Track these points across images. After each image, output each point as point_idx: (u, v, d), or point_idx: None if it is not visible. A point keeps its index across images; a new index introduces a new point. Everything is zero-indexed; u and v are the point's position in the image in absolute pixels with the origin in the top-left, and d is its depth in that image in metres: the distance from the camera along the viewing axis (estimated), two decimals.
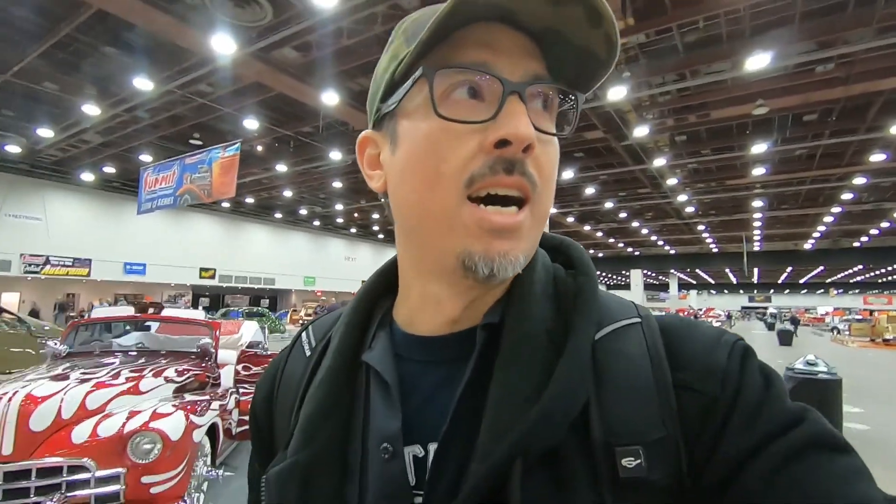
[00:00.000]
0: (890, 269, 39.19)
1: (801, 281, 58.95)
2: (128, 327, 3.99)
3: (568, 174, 15.51)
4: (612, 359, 0.39)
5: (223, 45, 8.09)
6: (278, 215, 24.97)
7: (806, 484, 0.32)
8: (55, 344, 3.54)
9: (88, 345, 3.75)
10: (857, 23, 7.64)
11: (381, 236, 32.61)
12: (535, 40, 0.39)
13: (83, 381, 2.79)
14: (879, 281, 53.95)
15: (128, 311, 5.21)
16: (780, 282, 59.95)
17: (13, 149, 14.21)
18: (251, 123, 12.14)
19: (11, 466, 2.29)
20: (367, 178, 0.46)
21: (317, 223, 27.05)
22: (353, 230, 30.14)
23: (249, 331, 5.18)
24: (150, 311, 6.76)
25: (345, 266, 30.43)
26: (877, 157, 13.25)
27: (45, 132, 12.75)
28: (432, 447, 0.40)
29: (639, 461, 0.35)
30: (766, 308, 59.32)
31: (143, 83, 9.62)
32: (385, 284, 0.51)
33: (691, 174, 16.62)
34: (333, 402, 0.44)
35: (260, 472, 0.47)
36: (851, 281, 56.65)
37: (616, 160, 14.61)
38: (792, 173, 15.41)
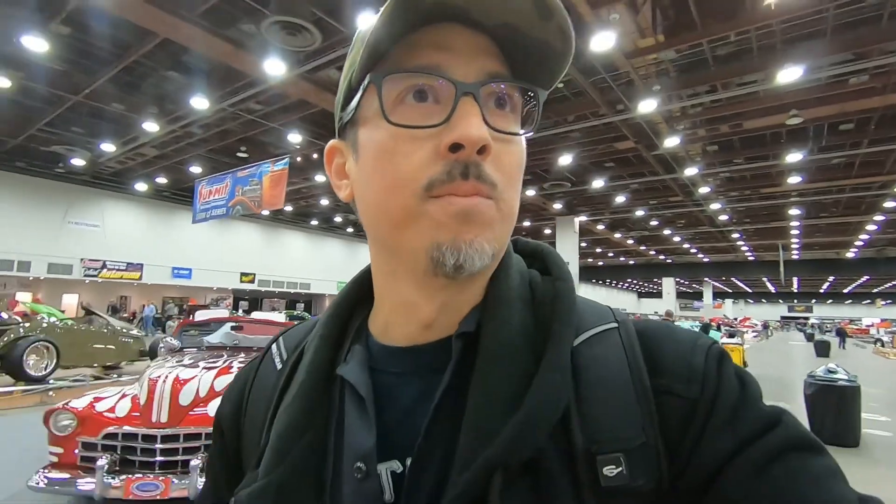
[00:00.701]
0: None
1: (845, 291, 56.57)
2: (212, 325, 4.64)
3: (598, 183, 15.67)
4: (591, 365, 0.39)
5: (274, 67, 8.75)
6: (314, 223, 25.89)
7: (784, 485, 0.33)
8: (171, 340, 4.21)
9: (193, 339, 4.41)
10: (893, 34, 7.68)
11: None
12: (493, 39, 0.39)
13: (209, 369, 3.46)
14: None
15: (223, 313, 5.89)
16: (822, 291, 57.66)
17: (78, 162, 15.41)
18: (294, 137, 12.88)
19: (167, 431, 2.97)
20: (335, 188, 0.46)
21: (350, 230, 27.89)
22: None
23: None
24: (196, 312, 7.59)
25: None
26: None
27: (108, 146, 13.82)
28: (410, 462, 0.39)
29: (620, 469, 0.35)
30: (807, 318, 57.15)
31: (200, 102, 10.42)
32: (360, 294, 0.50)
33: (724, 182, 16.51)
34: (307, 419, 0.42)
35: (226, 493, 0.46)
36: None
37: (647, 169, 14.69)
38: (830, 181, 15.14)
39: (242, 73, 9.51)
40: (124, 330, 7.50)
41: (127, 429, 2.96)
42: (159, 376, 3.19)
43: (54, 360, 6.74)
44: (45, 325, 6.90)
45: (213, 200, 10.21)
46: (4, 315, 6.68)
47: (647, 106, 9.85)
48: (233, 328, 4.38)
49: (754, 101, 10.11)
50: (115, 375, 7.02)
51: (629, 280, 54.92)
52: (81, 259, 17.97)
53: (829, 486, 0.33)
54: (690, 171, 14.28)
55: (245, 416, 0.49)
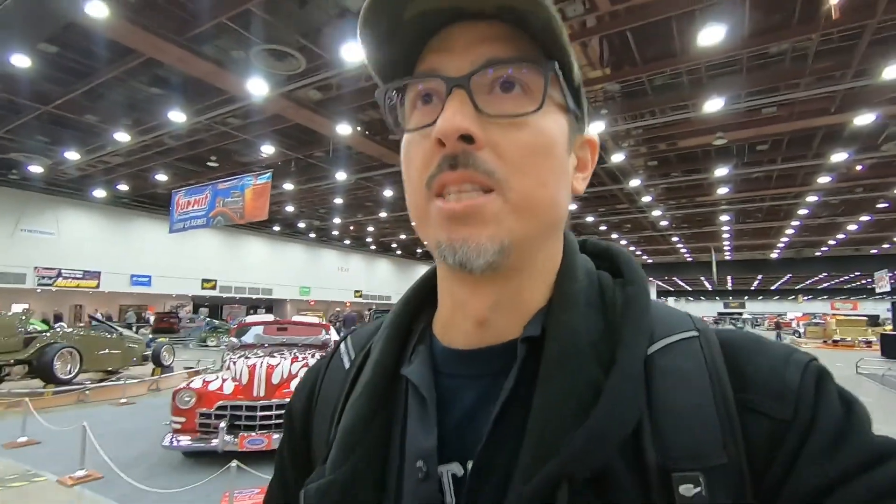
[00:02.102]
0: (853, 276, 41.67)
1: (772, 288, 61.61)
2: (252, 328, 5.61)
3: None
4: (667, 376, 0.37)
5: (257, 87, 9.30)
6: (276, 228, 25.96)
7: None
8: (233, 339, 5.04)
9: (248, 337, 5.31)
10: (793, 75, 9.24)
11: (373, 247, 33.74)
12: (504, 23, 0.38)
13: (285, 358, 4.58)
14: (845, 287, 56.79)
15: (268, 318, 6.57)
16: (752, 289, 62.56)
17: (36, 169, 15.06)
18: (267, 149, 13.30)
19: (265, 402, 4.08)
20: None
21: (312, 235, 28.08)
22: (347, 241, 31.22)
23: (332, 332, 6.63)
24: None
25: (338, 276, 31.45)
26: (823, 179, 15.03)
27: (72, 154, 13.68)
28: (471, 465, 0.38)
29: (699, 489, 0.32)
30: (740, 313, 61.83)
31: (177, 115, 10.73)
32: (424, 295, 0.50)
33: (664, 192, 18.26)
34: (371, 417, 0.42)
35: (295, 483, 0.48)
36: (819, 287, 59.48)
37: (596, 180, 16.11)
38: (752, 192, 17.15)
39: (223, 90, 9.96)
40: (129, 337, 7.97)
41: (236, 402, 4.08)
42: (255, 364, 4.29)
43: (78, 365, 7.25)
44: (69, 333, 7.38)
45: (191, 211, 10.55)
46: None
47: (596, 127, 11.10)
48: (279, 329, 5.25)
49: (686, 125, 11.59)
50: (115, 378, 7.46)
51: None
52: (35, 268, 17.42)
53: None
54: (634, 183, 15.82)
55: (315, 412, 0.50)
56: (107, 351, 7.51)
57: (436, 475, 0.38)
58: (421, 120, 0.39)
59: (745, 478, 0.34)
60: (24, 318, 7.10)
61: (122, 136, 12.05)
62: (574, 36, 8.13)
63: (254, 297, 26.49)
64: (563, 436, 0.34)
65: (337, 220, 23.97)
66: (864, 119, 10.49)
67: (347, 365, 0.50)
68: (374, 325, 0.53)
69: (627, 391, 0.35)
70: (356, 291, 33.05)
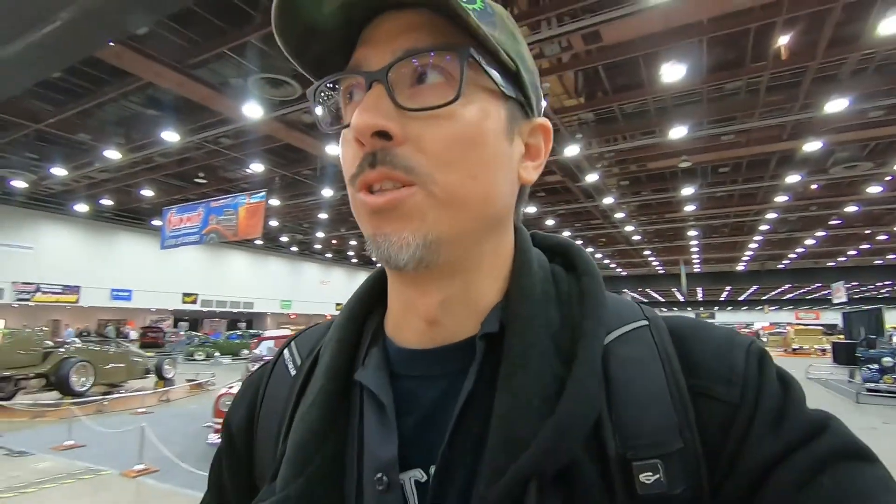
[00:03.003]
0: (814, 287, 43.76)
1: (740, 299, 63.97)
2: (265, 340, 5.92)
3: (531, 209, 17.73)
4: (623, 366, 0.37)
5: (252, 111, 9.73)
6: (259, 242, 26.07)
7: (832, 498, 0.31)
8: (255, 352, 5.40)
9: (262, 349, 5.65)
10: (748, 106, 10.17)
11: (354, 260, 34.00)
12: (432, 11, 0.36)
13: None
14: (807, 298, 59.37)
15: (286, 332, 6.98)
16: (722, 299, 64.79)
17: (19, 184, 15.04)
18: (256, 166, 13.67)
19: None
20: None
21: (294, 249, 28.24)
22: (329, 255, 31.43)
23: None
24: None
25: (319, 289, 31.58)
26: (780, 198, 16.18)
27: (59, 171, 13.77)
28: (434, 470, 0.37)
29: (658, 476, 0.33)
30: None
31: (170, 135, 11.05)
32: (374, 294, 0.47)
33: (636, 209, 19.23)
34: (326, 428, 0.40)
35: (236, 503, 0.46)
36: (784, 298, 62.06)
37: (572, 198, 16.95)
38: (717, 209, 18.26)
39: (218, 112, 10.36)
40: (133, 352, 8.35)
41: None
42: None
43: (92, 378, 7.66)
44: (82, 348, 7.68)
45: (183, 228, 10.84)
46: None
47: (571, 150, 11.87)
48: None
49: (654, 148, 12.46)
50: (121, 391, 7.83)
51: None
52: (13, 282, 17.23)
53: (881, 498, 0.31)
54: (608, 200, 16.68)
55: (258, 426, 0.47)
56: (113, 365, 7.91)
57: (398, 484, 0.37)
58: (346, 118, 0.38)
59: (700, 461, 0.34)
60: (41, 333, 7.46)
61: (113, 154, 12.25)
62: (550, 70, 8.87)
63: (235, 310, 26.44)
64: (530, 432, 0.33)
65: (320, 234, 24.27)
66: (812, 146, 11.53)
67: (294, 371, 0.47)
68: (321, 328, 0.50)
69: (591, 382, 0.35)
70: (337, 304, 33.18)
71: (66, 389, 7.41)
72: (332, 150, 11.79)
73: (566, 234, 22.86)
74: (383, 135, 0.35)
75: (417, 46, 0.36)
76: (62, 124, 11.04)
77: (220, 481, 0.49)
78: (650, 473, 0.33)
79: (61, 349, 7.69)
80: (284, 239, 25.58)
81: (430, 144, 0.36)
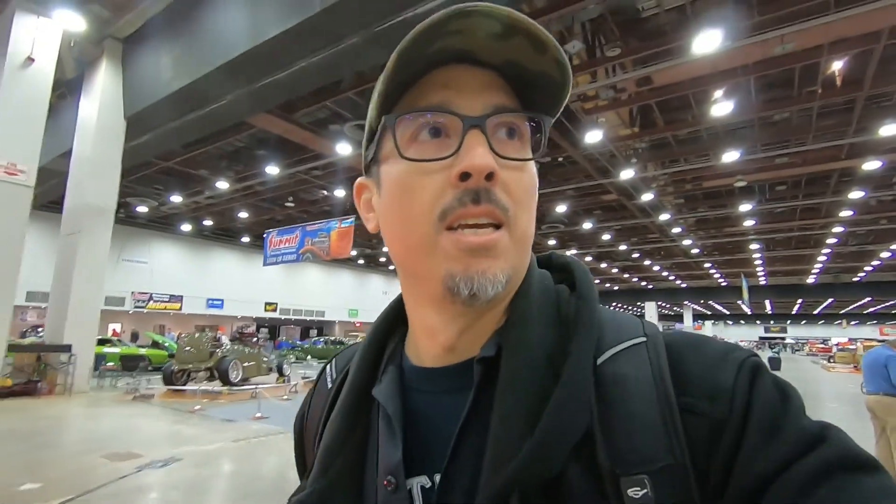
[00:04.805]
0: None
1: (815, 312, 60.20)
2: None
3: (587, 224, 18.54)
4: (616, 383, 0.38)
5: (343, 149, 11.40)
6: None
7: None
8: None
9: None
10: (800, 131, 10.67)
11: None
12: (501, 75, 0.41)
13: None
14: (893, 312, 55.09)
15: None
16: (794, 312, 61.26)
17: (142, 209, 17.77)
18: (339, 193, 15.48)
19: None
20: (364, 220, 0.48)
21: (361, 262, 30.34)
22: (391, 267, 33.36)
23: None
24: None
25: (382, 299, 33.56)
26: (845, 213, 16.07)
27: (176, 198, 16.24)
28: (439, 478, 0.40)
29: (645, 490, 0.34)
30: (783, 338, 60.56)
31: (272, 169, 12.99)
32: (396, 318, 0.52)
33: (694, 224, 19.52)
34: (345, 436, 0.45)
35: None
36: (866, 312, 57.84)
37: (628, 214, 17.60)
38: (778, 223, 18.24)
39: (314, 150, 12.15)
40: (262, 353, 10.57)
41: None
42: None
43: (241, 372, 9.82)
44: (233, 348, 9.89)
45: (283, 248, 12.66)
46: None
47: (626, 174, 12.72)
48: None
49: (709, 170, 13.05)
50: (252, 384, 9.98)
51: (614, 303, 57.84)
52: (132, 292, 20.11)
53: None
54: (664, 217, 17.21)
55: (305, 429, 0.55)
56: (251, 363, 9.98)
57: (405, 487, 0.41)
58: (428, 152, 0.40)
59: (690, 476, 0.35)
60: (207, 337, 9.62)
61: (223, 185, 14.45)
62: (607, 106, 9.88)
63: (308, 318, 28.79)
64: (516, 447, 0.35)
65: (386, 249, 26.07)
66: (871, 165, 11.73)
67: (329, 385, 0.54)
68: (356, 347, 0.54)
69: (572, 402, 0.36)
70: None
71: (225, 380, 9.52)
72: None
73: (622, 247, 23.32)
74: (489, 176, 0.38)
75: (506, 105, 0.41)
76: (187, 161, 13.27)
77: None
78: (637, 488, 0.34)
79: (218, 350, 9.84)
80: (353, 253, 27.69)
81: (515, 190, 0.40)
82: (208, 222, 20.45)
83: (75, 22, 7.20)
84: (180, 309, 21.94)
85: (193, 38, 7.25)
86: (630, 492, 0.34)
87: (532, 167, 0.43)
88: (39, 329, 13.31)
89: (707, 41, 7.06)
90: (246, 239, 23.60)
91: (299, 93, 7.70)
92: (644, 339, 0.41)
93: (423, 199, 0.39)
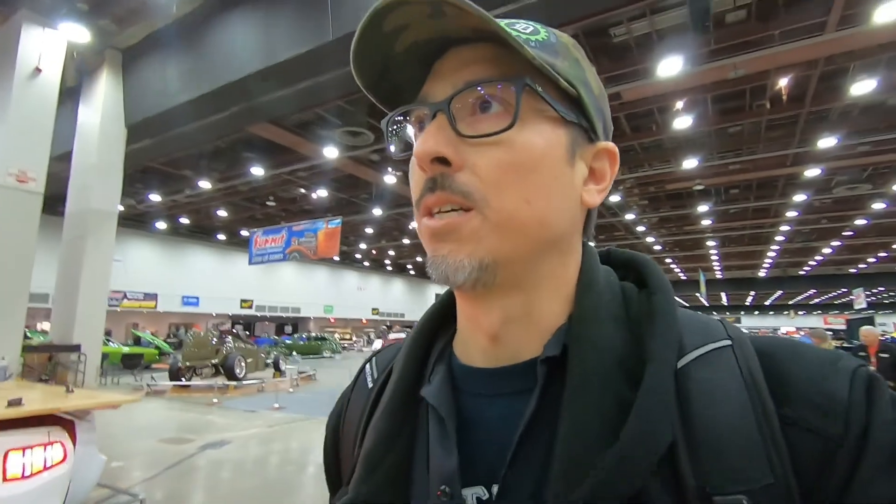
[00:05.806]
0: (842, 292, 44.02)
1: (767, 303, 63.99)
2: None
3: None
4: (701, 390, 0.34)
5: (331, 153, 11.81)
6: None
7: None
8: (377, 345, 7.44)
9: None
10: (751, 141, 11.78)
11: (389, 268, 36.20)
12: (493, 45, 0.38)
13: None
14: (836, 303, 59.14)
15: (401, 335, 9.04)
16: (748, 304, 64.91)
17: (119, 208, 17.56)
18: (321, 192, 15.81)
19: None
20: None
21: (336, 258, 30.56)
22: (367, 263, 33.69)
23: (378, 342, 9.05)
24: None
25: (357, 295, 33.88)
26: (791, 213, 17.58)
27: (155, 197, 16.20)
28: (496, 489, 0.37)
29: None
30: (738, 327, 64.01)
31: (257, 170, 13.25)
32: (443, 315, 0.49)
33: (657, 223, 20.80)
34: (392, 439, 0.42)
35: (331, 499, 0.50)
36: (812, 303, 61.92)
37: (597, 213, 18.62)
38: (732, 222, 19.70)
39: (301, 153, 12.50)
40: (260, 349, 11.05)
41: None
42: None
43: (245, 368, 10.26)
44: (237, 346, 10.18)
45: (268, 248, 12.98)
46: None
47: None
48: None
49: (670, 175, 14.11)
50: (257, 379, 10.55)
51: None
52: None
53: None
54: (630, 216, 18.33)
55: (342, 432, 0.52)
56: (251, 359, 10.48)
57: (461, 499, 0.37)
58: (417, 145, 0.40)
59: (794, 499, 0.31)
60: (212, 335, 9.94)
61: (205, 184, 14.57)
62: None
63: (283, 315, 28.86)
64: (592, 459, 0.32)
65: (363, 246, 26.47)
66: (812, 171, 13.03)
67: (370, 384, 0.51)
68: (398, 345, 0.52)
69: (657, 409, 0.33)
70: (373, 309, 35.42)
71: (231, 376, 10.05)
72: (390, 179, 13.82)
73: (591, 244, 24.41)
74: (443, 161, 0.37)
75: (477, 78, 0.38)
76: (171, 163, 13.36)
77: (327, 478, 0.55)
78: None
79: (223, 347, 10.31)
80: None
81: (485, 170, 0.37)
82: (185, 220, 20.34)
83: (80, 34, 7.38)
84: (155, 307, 21.75)
85: (203, 53, 7.55)
86: None
87: (525, 138, 0.38)
88: (27, 328, 13.31)
89: (670, 65, 7.91)
90: (222, 237, 23.53)
91: (307, 106, 8.14)
92: (729, 341, 0.38)
93: (413, 191, 0.41)
